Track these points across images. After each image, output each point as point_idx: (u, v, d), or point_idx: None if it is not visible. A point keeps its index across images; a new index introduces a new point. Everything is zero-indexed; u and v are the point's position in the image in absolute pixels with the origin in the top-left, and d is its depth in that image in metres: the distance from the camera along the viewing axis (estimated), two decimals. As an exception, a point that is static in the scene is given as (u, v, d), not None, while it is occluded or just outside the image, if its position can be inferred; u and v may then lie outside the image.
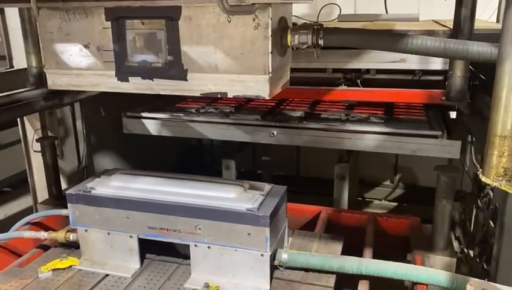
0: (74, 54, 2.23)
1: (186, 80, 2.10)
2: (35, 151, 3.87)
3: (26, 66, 3.29)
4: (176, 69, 2.09)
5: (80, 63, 2.24)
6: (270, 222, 2.23)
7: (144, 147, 4.16)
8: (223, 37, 1.99)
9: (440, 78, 3.37)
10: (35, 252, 2.74)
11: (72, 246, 2.68)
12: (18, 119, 4.03)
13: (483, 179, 1.62)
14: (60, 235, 2.68)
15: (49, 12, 2.21)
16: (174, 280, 2.44)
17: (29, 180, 4.24)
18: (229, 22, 1.96)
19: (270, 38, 1.92)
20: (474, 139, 3.20)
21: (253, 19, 1.92)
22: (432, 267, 2.54)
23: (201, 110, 3.61)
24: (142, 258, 2.55)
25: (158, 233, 2.42)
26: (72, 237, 2.64)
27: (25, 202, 5.43)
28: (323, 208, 3.24)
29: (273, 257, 2.38)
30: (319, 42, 2.06)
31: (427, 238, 2.81)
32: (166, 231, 2.40)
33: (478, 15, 2.65)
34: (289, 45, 2.08)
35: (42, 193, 4.03)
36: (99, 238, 2.53)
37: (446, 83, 2.91)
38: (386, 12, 4.53)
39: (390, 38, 2.07)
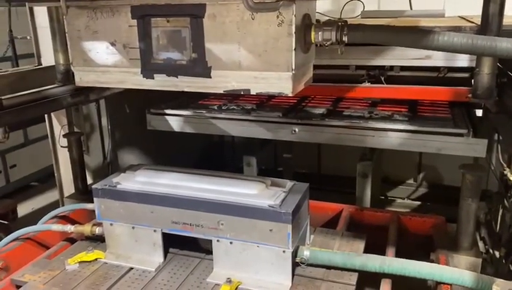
0: (101, 51, 2.28)
1: (210, 77, 2.11)
2: (61, 146, 3.97)
3: (54, 64, 3.37)
4: (200, 66, 2.11)
5: (106, 60, 2.29)
6: (292, 219, 2.24)
7: (167, 143, 4.21)
8: (246, 34, 2.00)
9: (466, 75, 3.31)
10: (62, 245, 2.81)
11: (98, 240, 2.74)
12: (45, 115, 4.14)
13: None
14: (86, 228, 2.74)
15: (77, 10, 2.26)
16: (196, 274, 2.47)
17: (55, 174, 4.35)
18: (253, 19, 1.97)
19: (294, 35, 1.92)
20: (501, 138, 3.13)
21: (277, 16, 1.92)
22: (456, 267, 2.50)
23: (223, 107, 3.64)
24: (166, 252, 2.59)
25: (181, 228, 2.46)
26: (97, 230, 2.70)
27: (51, 196, 5.59)
28: (346, 206, 3.22)
29: (294, 254, 2.39)
30: (343, 39, 2.04)
31: (452, 237, 2.77)
32: (189, 225, 2.44)
33: (507, 11, 2.59)
34: (313, 41, 2.08)
35: (68, 188, 4.13)
36: (124, 232, 2.58)
37: (472, 80, 2.85)
38: (411, 8, 4.46)
39: (416, 35, 2.04)
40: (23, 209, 5.51)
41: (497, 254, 3.11)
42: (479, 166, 2.85)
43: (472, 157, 3.23)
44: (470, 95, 2.84)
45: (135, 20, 2.16)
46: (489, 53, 1.98)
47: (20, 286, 2.40)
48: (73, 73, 2.42)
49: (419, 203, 5.09)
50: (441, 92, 3.29)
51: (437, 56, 3.11)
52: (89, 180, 3.81)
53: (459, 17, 3.85)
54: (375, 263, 2.35)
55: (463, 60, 3.12)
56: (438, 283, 2.29)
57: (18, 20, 5.81)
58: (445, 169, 4.95)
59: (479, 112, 3.48)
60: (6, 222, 4.43)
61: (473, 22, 3.21)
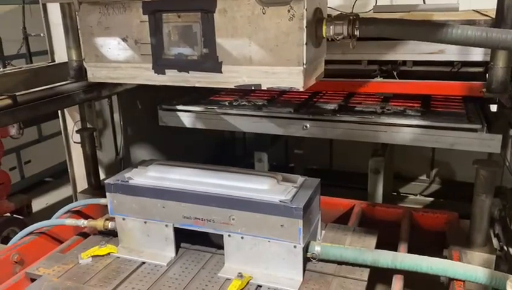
0: (113, 47, 2.29)
1: (221, 72, 2.12)
2: (75, 142, 4.02)
3: (66, 60, 3.40)
4: (211, 62, 2.12)
5: (118, 56, 2.30)
6: (303, 214, 2.24)
7: (178, 139, 4.23)
8: (257, 29, 1.99)
9: (480, 69, 3.26)
10: (75, 239, 2.85)
11: (110, 234, 2.77)
12: (59, 111, 4.19)
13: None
14: (99, 223, 2.77)
15: (89, 7, 2.27)
16: (208, 269, 2.48)
17: (69, 170, 4.40)
18: (264, 13, 1.96)
19: (305, 29, 1.91)
20: (516, 133, 3.08)
21: (288, 10, 1.91)
22: (469, 263, 2.48)
23: (234, 103, 3.64)
24: (177, 247, 2.61)
25: (193, 223, 2.47)
26: (110, 225, 2.73)
27: (65, 191, 5.66)
28: (357, 201, 3.21)
29: (306, 249, 2.38)
30: (355, 33, 2.02)
31: (465, 234, 2.74)
32: (200, 220, 2.45)
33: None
34: (324, 36, 2.06)
35: (81, 183, 4.18)
36: (136, 226, 2.60)
37: (487, 74, 2.81)
38: (424, 2, 4.40)
39: (429, 28, 2.01)
40: (38, 204, 5.58)
41: (511, 250, 3.07)
42: (493, 161, 2.81)
43: (486, 153, 3.18)
44: (484, 90, 2.80)
45: (146, 16, 2.17)
46: (504, 46, 1.95)
47: (35, 279, 2.43)
48: (85, 69, 2.45)
49: (432, 199, 5.03)
50: (454, 87, 3.25)
51: (450, 50, 3.07)
52: (102, 176, 3.84)
53: (474, 10, 3.79)
54: (387, 258, 2.33)
55: (477, 54, 3.07)
56: (451, 280, 2.27)
57: (32, 18, 5.88)
58: (459, 165, 4.89)
59: (494, 107, 3.44)
60: (21, 217, 4.50)
61: (487, 16, 3.16)
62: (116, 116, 3.90)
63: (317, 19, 2.04)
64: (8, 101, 2.69)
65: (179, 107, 3.66)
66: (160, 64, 2.22)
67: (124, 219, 2.63)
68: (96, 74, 2.41)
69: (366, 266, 2.39)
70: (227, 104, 3.64)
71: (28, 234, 2.83)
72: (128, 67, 2.30)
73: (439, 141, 2.96)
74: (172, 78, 2.23)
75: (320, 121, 3.24)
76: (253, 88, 2.12)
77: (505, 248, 3.23)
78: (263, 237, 2.34)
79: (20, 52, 6.28)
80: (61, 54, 3.94)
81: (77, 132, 3.64)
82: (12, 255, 2.64)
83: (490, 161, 3.00)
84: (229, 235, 2.41)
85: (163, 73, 2.23)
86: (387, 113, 3.18)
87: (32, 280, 2.45)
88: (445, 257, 2.59)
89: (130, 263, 2.55)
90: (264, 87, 2.09)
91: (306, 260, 2.40)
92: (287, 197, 2.32)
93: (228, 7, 2.01)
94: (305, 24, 1.90)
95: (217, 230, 2.44)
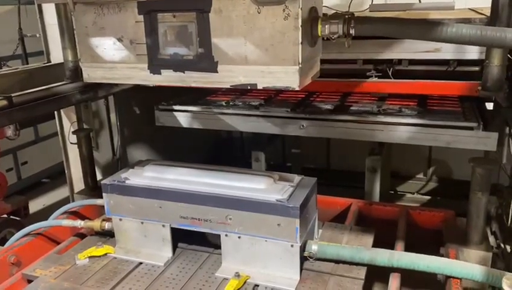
0: (108, 47, 2.29)
1: (217, 71, 2.11)
2: (71, 143, 4.01)
3: (62, 61, 3.40)
4: (206, 61, 2.11)
5: (113, 56, 2.30)
6: (300, 213, 2.24)
7: (175, 139, 4.22)
8: (253, 29, 1.99)
9: (476, 68, 3.26)
10: (72, 240, 2.84)
11: (107, 235, 2.77)
12: (55, 112, 4.19)
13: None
14: (96, 224, 2.77)
15: (84, 7, 2.27)
16: (205, 269, 2.49)
17: (66, 171, 4.41)
18: (259, 13, 1.96)
19: (300, 28, 1.91)
20: (512, 131, 3.09)
21: (283, 10, 1.91)
22: (466, 261, 2.48)
23: (231, 103, 3.64)
24: (175, 247, 2.61)
25: (190, 223, 2.47)
26: (107, 225, 2.73)
27: (62, 192, 5.65)
28: (354, 200, 3.21)
29: (303, 248, 2.39)
30: (350, 32, 2.02)
31: (462, 232, 2.75)
32: (197, 220, 2.45)
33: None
34: (319, 35, 2.06)
35: (78, 184, 4.19)
36: (133, 227, 2.60)
37: (482, 73, 2.81)
38: (420, 1, 4.41)
39: (424, 27, 2.01)
40: (35, 205, 5.57)
41: (508, 248, 3.08)
42: (489, 159, 2.82)
43: (482, 151, 3.19)
44: (479, 88, 2.81)
45: (142, 16, 2.16)
46: (499, 44, 1.95)
47: (32, 281, 2.43)
48: (81, 70, 2.44)
49: (429, 197, 5.05)
50: (450, 86, 3.24)
51: (446, 49, 3.07)
52: (99, 176, 3.84)
53: (469, 9, 3.80)
54: (384, 257, 2.34)
55: (473, 53, 3.07)
56: (448, 277, 2.27)
57: (27, 18, 5.86)
58: (456, 163, 4.91)
59: (490, 106, 3.44)
60: (18, 218, 4.49)
61: (483, 14, 3.17)
62: (113, 116, 3.90)
63: (312, 18, 2.03)
64: (4, 102, 2.69)
65: (176, 107, 3.65)
66: (155, 64, 2.21)
67: (120, 220, 2.62)
68: (91, 74, 2.40)
69: (363, 265, 2.40)
70: (224, 103, 3.63)
71: (24, 235, 2.83)
72: (123, 68, 2.30)
73: (436, 139, 2.96)
74: (168, 78, 2.22)
75: (317, 120, 3.23)
76: (249, 88, 2.12)
77: (502, 245, 3.24)
78: (260, 237, 2.34)
79: (16, 53, 6.26)
80: (57, 55, 3.94)
81: (74, 132, 3.64)
82: (9, 256, 2.64)
83: (486, 159, 3.00)
84: (226, 235, 2.41)
85: (159, 73, 2.23)
86: (384, 112, 3.18)
87: (29, 281, 2.45)
88: (442, 255, 2.60)
89: (127, 263, 2.55)
90: (260, 87, 2.08)
91: (303, 259, 2.41)
92: (283, 196, 2.32)
93: (223, 7, 2.01)
94: (300, 23, 1.90)
95: (214, 230, 2.44)
